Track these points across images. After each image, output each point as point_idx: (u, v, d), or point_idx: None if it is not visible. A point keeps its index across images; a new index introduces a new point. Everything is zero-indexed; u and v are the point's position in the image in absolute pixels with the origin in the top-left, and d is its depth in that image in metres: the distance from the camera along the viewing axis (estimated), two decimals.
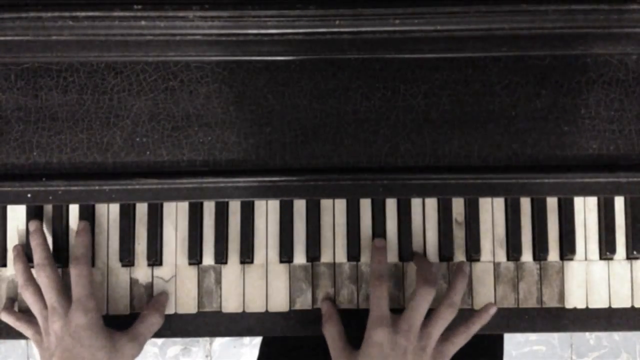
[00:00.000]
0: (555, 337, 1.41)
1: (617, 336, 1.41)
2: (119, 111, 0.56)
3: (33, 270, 0.58)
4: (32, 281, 0.57)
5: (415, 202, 0.60)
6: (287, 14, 0.54)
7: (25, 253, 0.59)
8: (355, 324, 0.58)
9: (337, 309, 0.58)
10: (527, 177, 0.55)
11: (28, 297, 0.57)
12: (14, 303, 0.59)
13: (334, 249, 0.59)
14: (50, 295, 0.55)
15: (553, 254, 0.59)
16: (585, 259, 0.59)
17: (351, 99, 0.56)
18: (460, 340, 0.55)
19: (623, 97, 0.56)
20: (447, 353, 0.55)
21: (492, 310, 0.56)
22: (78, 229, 0.58)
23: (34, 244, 0.57)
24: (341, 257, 0.59)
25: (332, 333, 0.56)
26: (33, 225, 0.58)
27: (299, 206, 0.60)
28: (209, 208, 0.59)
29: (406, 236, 0.59)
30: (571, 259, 0.59)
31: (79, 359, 0.53)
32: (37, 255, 0.57)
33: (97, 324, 0.55)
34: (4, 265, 0.60)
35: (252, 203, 0.59)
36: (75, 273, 0.56)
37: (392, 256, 0.59)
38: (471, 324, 0.56)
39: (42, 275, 0.56)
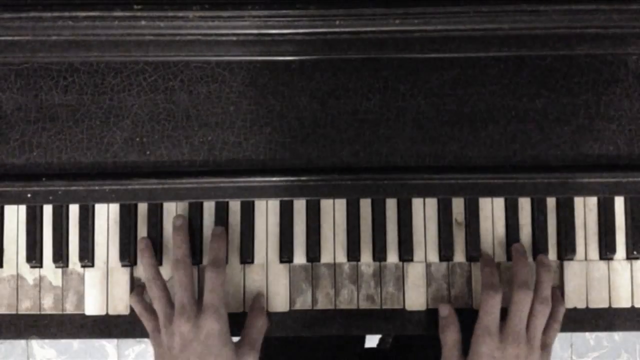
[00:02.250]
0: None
1: (617, 336, 1.42)
2: (119, 111, 0.56)
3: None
4: (159, 276, 0.56)
5: (415, 202, 0.60)
6: (287, 14, 0.54)
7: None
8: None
9: (456, 315, 0.57)
10: (527, 177, 0.55)
11: (155, 292, 0.55)
12: (144, 290, 0.58)
13: (334, 249, 0.59)
14: (182, 294, 0.54)
15: (553, 254, 0.59)
16: (585, 259, 0.59)
17: (351, 99, 0.56)
18: (557, 329, 0.57)
19: (623, 97, 0.56)
20: (550, 343, 0.56)
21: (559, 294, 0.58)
22: (214, 233, 0.57)
23: (179, 239, 0.56)
24: (341, 257, 0.59)
25: (451, 340, 0.56)
26: (179, 221, 0.57)
27: (299, 206, 0.60)
28: (209, 208, 0.59)
29: (406, 236, 0.59)
30: (571, 259, 0.59)
31: None
32: (180, 251, 0.55)
33: (227, 333, 0.53)
34: (0, 266, 0.60)
35: (252, 203, 0.59)
36: (212, 277, 0.54)
37: (392, 256, 0.59)
38: (558, 314, 0.57)
39: (180, 273, 0.54)
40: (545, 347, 0.56)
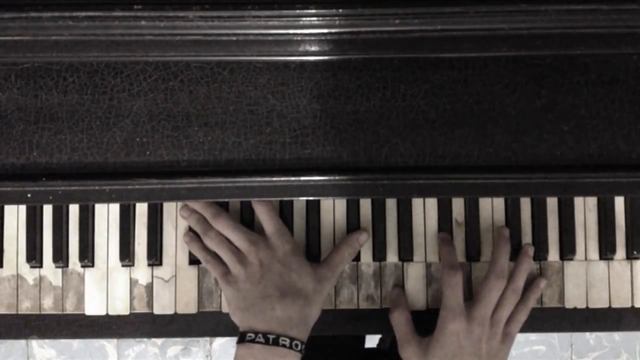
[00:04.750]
0: (555, 337, 1.41)
1: (617, 336, 1.42)
2: (119, 111, 0.56)
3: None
4: (214, 229, 0.57)
5: (415, 202, 0.60)
6: (286, 14, 0.54)
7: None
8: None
9: (405, 296, 0.58)
10: (527, 177, 0.55)
11: (216, 242, 0.57)
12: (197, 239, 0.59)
13: None
14: (242, 233, 0.56)
15: (553, 254, 0.59)
16: (585, 259, 0.59)
17: (351, 99, 0.56)
18: (522, 317, 0.57)
19: (623, 97, 0.56)
20: (513, 333, 0.57)
21: (542, 284, 0.58)
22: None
23: (203, 205, 0.58)
24: None
25: (400, 320, 0.57)
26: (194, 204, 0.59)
27: (300, 206, 0.60)
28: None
29: (406, 236, 0.59)
30: (571, 259, 0.59)
31: (291, 282, 0.54)
32: (210, 210, 0.57)
33: (300, 251, 0.57)
34: (0, 266, 0.60)
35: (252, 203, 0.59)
36: (263, 209, 0.57)
37: (392, 256, 0.59)
38: (527, 300, 0.58)
39: (224, 219, 0.57)
40: (508, 335, 0.56)
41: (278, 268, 0.54)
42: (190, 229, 0.59)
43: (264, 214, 0.57)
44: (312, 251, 0.59)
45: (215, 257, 0.57)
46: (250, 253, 0.55)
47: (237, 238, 0.56)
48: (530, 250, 0.58)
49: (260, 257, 0.55)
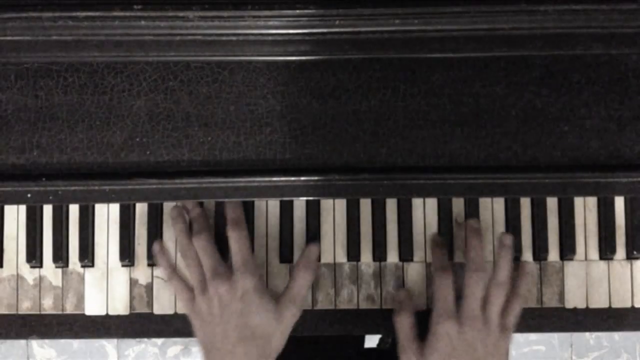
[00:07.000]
0: (555, 337, 1.42)
1: (617, 336, 1.42)
2: (119, 111, 0.56)
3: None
4: (192, 244, 0.57)
5: (415, 202, 0.60)
6: (287, 14, 0.54)
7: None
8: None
9: (411, 299, 0.57)
10: (527, 177, 0.55)
11: (190, 259, 0.56)
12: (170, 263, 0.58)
13: (334, 249, 0.59)
14: (210, 259, 0.55)
15: (553, 254, 0.59)
16: (585, 259, 0.59)
17: (351, 99, 0.56)
18: (516, 306, 0.56)
19: (623, 97, 0.56)
20: (509, 324, 0.55)
21: (527, 268, 0.58)
22: (229, 204, 0.58)
23: (195, 214, 0.57)
24: (341, 257, 0.59)
25: (404, 323, 0.56)
26: (190, 204, 0.58)
27: (299, 206, 0.60)
28: (209, 208, 0.59)
29: (406, 236, 0.59)
30: (571, 259, 0.59)
31: (250, 323, 0.53)
32: (198, 223, 0.57)
33: (263, 287, 0.55)
34: (0, 266, 0.60)
35: (252, 203, 0.59)
36: (235, 237, 0.55)
37: (392, 256, 0.59)
38: (517, 287, 0.56)
39: (203, 239, 0.56)
40: (505, 328, 0.55)
41: (238, 307, 0.53)
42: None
43: (234, 242, 0.55)
44: None
45: (182, 281, 0.57)
46: (211, 287, 0.54)
47: (205, 264, 0.55)
48: (507, 239, 0.57)
49: (221, 293, 0.54)
